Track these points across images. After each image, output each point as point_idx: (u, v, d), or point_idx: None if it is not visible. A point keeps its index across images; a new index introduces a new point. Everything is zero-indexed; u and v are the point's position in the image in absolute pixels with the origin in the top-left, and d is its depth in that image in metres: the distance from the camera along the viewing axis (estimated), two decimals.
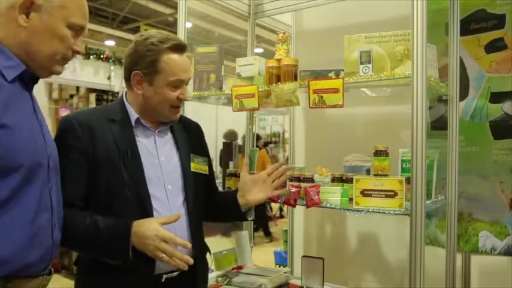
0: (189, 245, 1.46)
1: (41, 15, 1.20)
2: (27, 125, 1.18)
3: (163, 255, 1.41)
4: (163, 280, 1.51)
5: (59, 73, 1.29)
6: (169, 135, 1.68)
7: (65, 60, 1.28)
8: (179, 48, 1.57)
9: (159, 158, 1.59)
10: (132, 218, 1.45)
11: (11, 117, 1.11)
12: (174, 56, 1.55)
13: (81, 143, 1.48)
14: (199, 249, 1.61)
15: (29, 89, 1.26)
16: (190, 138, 1.74)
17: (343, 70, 1.90)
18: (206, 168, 1.74)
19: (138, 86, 1.58)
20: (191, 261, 1.45)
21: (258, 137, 7.38)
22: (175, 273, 1.53)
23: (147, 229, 1.41)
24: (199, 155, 1.72)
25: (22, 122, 1.15)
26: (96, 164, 1.49)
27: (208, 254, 1.75)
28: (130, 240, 1.41)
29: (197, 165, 1.69)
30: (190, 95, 1.63)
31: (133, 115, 1.60)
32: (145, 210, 1.49)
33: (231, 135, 6.28)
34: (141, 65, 1.55)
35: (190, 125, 1.81)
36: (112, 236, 1.43)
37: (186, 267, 1.44)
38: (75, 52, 1.29)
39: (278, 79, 1.98)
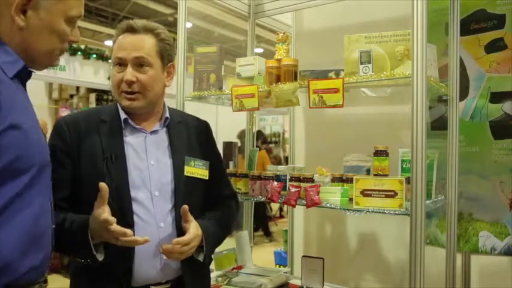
0: (140, 240, 1.34)
1: (38, 12, 1.13)
2: (32, 124, 1.13)
3: (117, 241, 1.31)
4: None
5: (56, 66, 1.26)
6: (164, 136, 1.58)
7: (62, 52, 1.23)
8: (127, 29, 1.51)
9: (148, 162, 1.50)
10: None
11: (20, 116, 1.07)
12: (120, 37, 1.52)
13: (68, 146, 1.46)
14: (191, 262, 1.48)
15: (25, 86, 1.20)
16: (191, 138, 1.63)
17: (343, 70, 1.90)
18: (205, 172, 1.59)
19: None
20: (140, 239, 1.33)
21: (260, 135, 7.24)
22: (164, 286, 1.48)
23: (93, 219, 1.32)
24: (199, 158, 1.59)
25: (29, 120, 1.11)
26: (80, 167, 1.46)
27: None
28: (89, 235, 1.32)
29: (193, 169, 1.56)
30: (144, 78, 1.48)
31: (123, 115, 1.53)
32: (125, 215, 1.42)
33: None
34: None
35: (195, 124, 1.70)
36: (74, 233, 1.35)
37: (141, 241, 1.33)
38: (72, 42, 1.24)
39: (278, 79, 1.98)
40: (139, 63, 1.49)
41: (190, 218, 1.47)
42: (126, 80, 1.47)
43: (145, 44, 1.50)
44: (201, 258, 1.51)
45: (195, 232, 1.45)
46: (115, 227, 1.30)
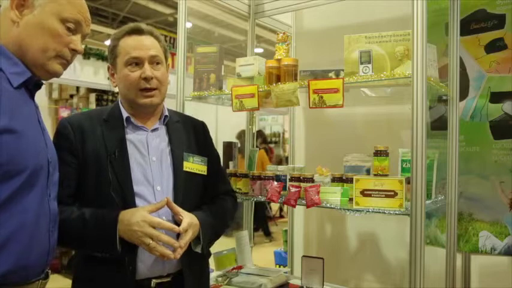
0: (177, 229, 1.44)
1: (33, 10, 1.20)
2: (31, 130, 1.18)
3: (150, 240, 1.39)
4: (153, 285, 1.49)
5: (56, 73, 1.26)
6: (164, 134, 1.65)
7: (61, 58, 1.25)
8: (135, 31, 1.59)
9: (149, 158, 1.56)
10: None
11: (17, 122, 1.12)
12: (128, 38, 1.58)
13: (73, 145, 1.51)
14: (190, 256, 1.52)
15: (33, 96, 1.26)
16: (189, 137, 1.69)
17: (343, 70, 1.90)
18: (204, 168, 1.66)
19: (112, 79, 1.63)
20: (176, 243, 1.42)
21: (260, 134, 7.21)
22: (165, 279, 1.51)
23: (133, 215, 1.40)
24: (198, 154, 1.66)
25: (27, 126, 1.16)
26: (85, 164, 1.51)
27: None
28: (117, 228, 1.40)
29: (192, 165, 1.63)
30: (159, 75, 1.57)
31: (125, 114, 1.60)
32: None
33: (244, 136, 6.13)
34: (109, 57, 1.63)
35: (192, 124, 1.77)
36: (98, 225, 1.42)
37: (172, 256, 1.41)
38: (73, 51, 1.27)
39: (278, 79, 1.98)
40: (155, 61, 1.58)
41: (178, 209, 1.50)
42: (147, 77, 1.54)
43: (155, 44, 1.60)
44: (199, 249, 1.54)
45: (189, 221, 1.48)
46: (168, 223, 1.44)
